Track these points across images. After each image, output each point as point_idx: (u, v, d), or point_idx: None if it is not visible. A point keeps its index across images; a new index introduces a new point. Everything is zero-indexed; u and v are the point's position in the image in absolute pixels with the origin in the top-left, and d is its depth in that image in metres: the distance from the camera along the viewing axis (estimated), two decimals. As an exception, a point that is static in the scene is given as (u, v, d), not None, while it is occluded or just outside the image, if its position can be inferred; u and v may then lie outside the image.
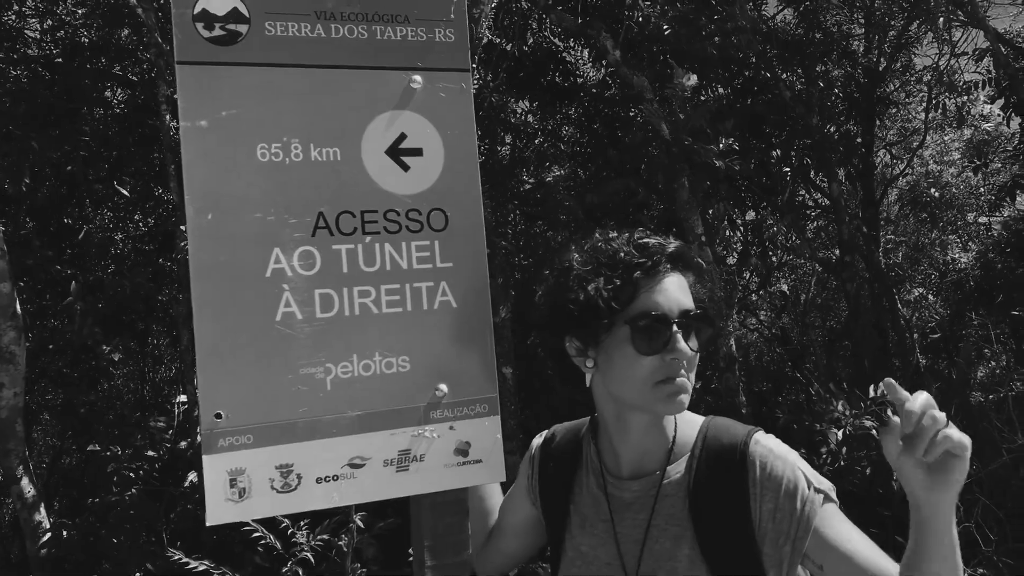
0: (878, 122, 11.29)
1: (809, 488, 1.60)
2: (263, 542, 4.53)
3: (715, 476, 1.63)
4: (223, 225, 2.00)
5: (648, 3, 6.90)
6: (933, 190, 11.05)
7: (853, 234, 8.16)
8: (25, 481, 6.34)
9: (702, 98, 7.24)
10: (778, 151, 8.46)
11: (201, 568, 4.78)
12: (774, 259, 9.48)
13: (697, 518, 1.60)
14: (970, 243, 14.36)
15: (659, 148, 6.37)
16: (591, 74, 8.69)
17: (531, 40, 9.33)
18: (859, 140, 10.85)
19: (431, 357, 2.15)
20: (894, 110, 11.32)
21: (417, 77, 2.20)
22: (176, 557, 4.68)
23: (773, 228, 8.77)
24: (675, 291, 1.68)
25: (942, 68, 8.11)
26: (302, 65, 2.10)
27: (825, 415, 5.84)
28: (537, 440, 2.01)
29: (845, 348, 8.72)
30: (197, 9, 2.02)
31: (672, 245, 1.72)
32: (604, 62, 7.29)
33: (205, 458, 1.97)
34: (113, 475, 6.31)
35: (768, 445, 1.65)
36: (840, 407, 5.74)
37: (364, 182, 2.13)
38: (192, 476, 6.82)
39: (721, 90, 7.94)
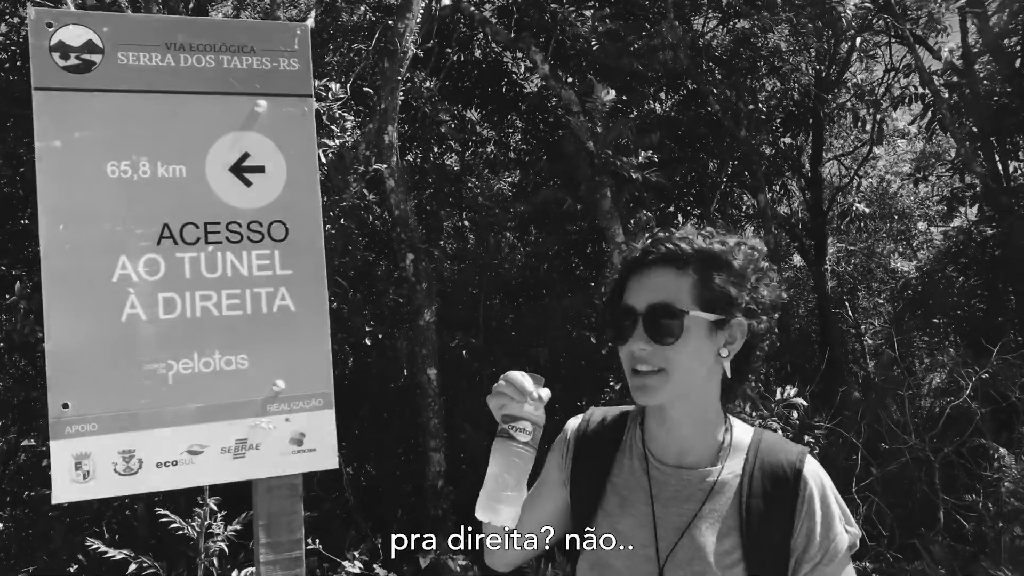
0: (828, 134, 11.58)
1: (841, 524, 1.65)
2: (180, 532, 4.74)
3: (768, 485, 1.65)
4: (74, 235, 2.23)
5: (579, 19, 7.16)
6: (862, 204, 11.33)
7: (778, 244, 8.47)
8: (-36, 474, 6.52)
9: (627, 113, 7.52)
10: (715, 162, 8.75)
11: (119, 557, 4.98)
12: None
13: (746, 519, 1.61)
14: (917, 253, 14.73)
15: (584, 160, 6.64)
16: (529, 86, 8.94)
17: (477, 51, 9.59)
18: (803, 152, 11.18)
19: (269, 356, 2.39)
20: (847, 121, 11.60)
21: (262, 102, 2.44)
22: (95, 547, 4.86)
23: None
24: (651, 285, 1.61)
25: (864, 84, 8.42)
26: (152, 91, 2.33)
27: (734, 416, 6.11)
28: (573, 423, 1.89)
29: (786, 352, 9.00)
30: (54, 40, 2.25)
31: (669, 242, 1.63)
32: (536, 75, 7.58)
33: (52, 443, 2.20)
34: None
35: (819, 472, 1.68)
36: (747, 409, 6.00)
37: (207, 196, 2.36)
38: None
39: (654, 104, 8.22)
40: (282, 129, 2.46)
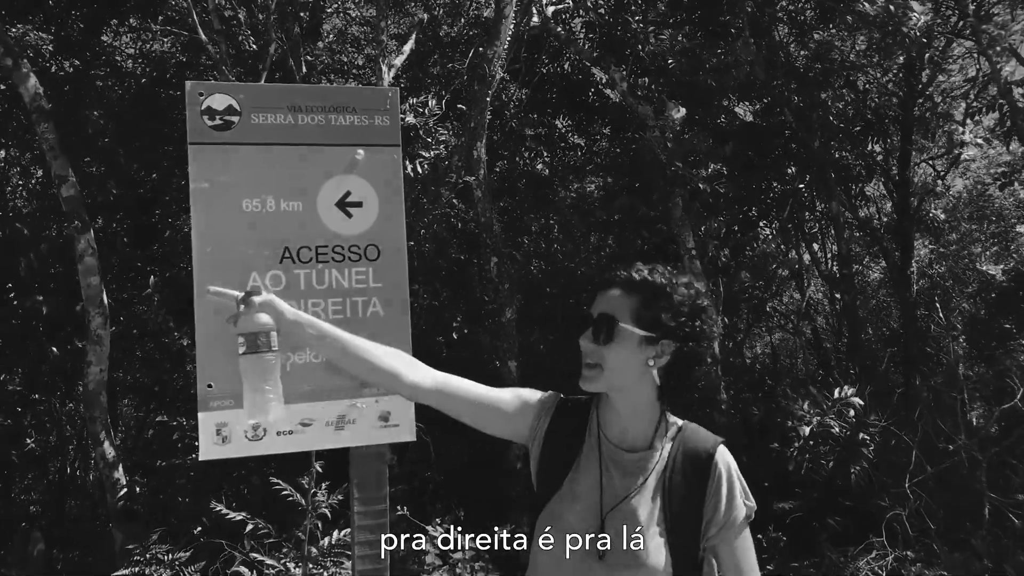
0: (915, 136, 11.68)
1: (741, 498, 2.13)
2: (290, 498, 5.47)
3: (687, 466, 2.13)
4: (217, 255, 2.92)
5: (659, 37, 7.65)
6: (940, 212, 11.42)
7: (850, 249, 8.77)
8: (107, 444, 7.44)
9: (701, 126, 7.95)
10: (791, 171, 9.09)
11: (238, 518, 5.75)
12: (783, 272, 10.11)
13: (666, 493, 2.08)
14: (1012, 254, 14.56)
15: (657, 171, 7.15)
16: (614, 96, 9.45)
17: (567, 64, 10.17)
18: (891, 156, 11.32)
19: (363, 350, 3.05)
20: (933, 125, 11.67)
21: (360, 151, 3.09)
22: (218, 509, 5.63)
23: (772, 245, 9.44)
24: (602, 300, 2.08)
25: (948, 90, 8.59)
26: (277, 143, 3.01)
27: (793, 414, 6.55)
28: (555, 399, 2.27)
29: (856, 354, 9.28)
30: (204, 106, 2.94)
31: (624, 273, 2.08)
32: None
33: (200, 414, 2.90)
34: (178, 442, 7.38)
35: (727, 457, 2.16)
36: (805, 407, 6.43)
37: (318, 226, 3.03)
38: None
39: (727, 117, 8.62)
40: (376, 172, 3.11)
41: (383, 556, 3.10)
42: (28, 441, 8.65)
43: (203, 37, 6.99)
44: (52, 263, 8.10)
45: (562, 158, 10.39)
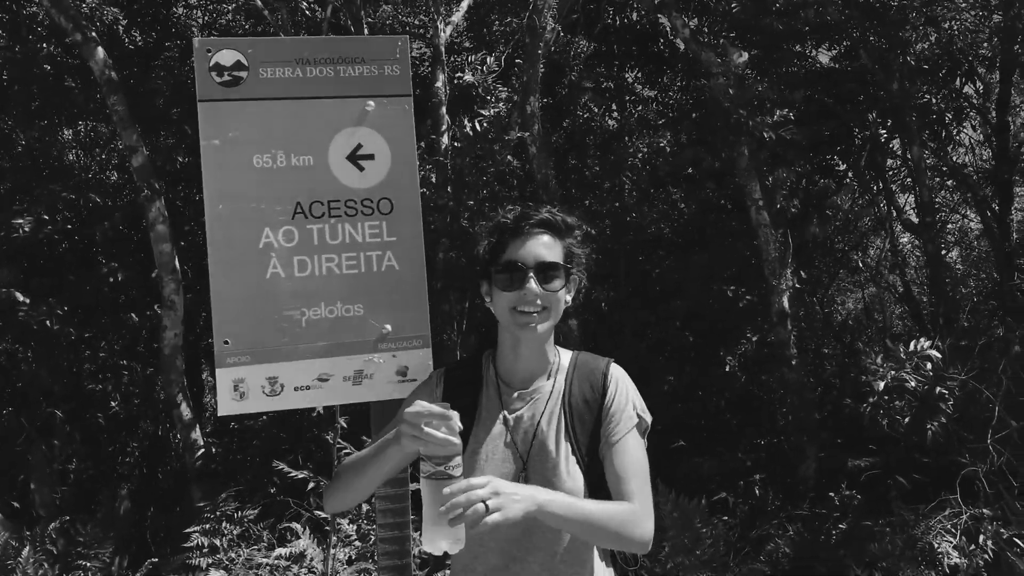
0: (1017, 78, 11.02)
1: (633, 408, 2.24)
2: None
3: (584, 387, 2.27)
4: (229, 212, 2.91)
5: (723, -20, 7.36)
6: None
7: (932, 197, 8.30)
8: (184, 406, 7.70)
9: (767, 72, 7.62)
10: (871, 116, 8.67)
11: (301, 476, 5.88)
12: (866, 222, 9.66)
13: (568, 412, 2.24)
14: None
15: (722, 120, 6.90)
16: (681, 46, 9.16)
17: (634, 13, 9.90)
18: (986, 100, 10.69)
19: (379, 305, 3.01)
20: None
21: (371, 102, 3.03)
22: (280, 467, 5.76)
23: (853, 195, 9.00)
24: (534, 246, 2.18)
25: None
26: (286, 98, 2.98)
27: (867, 369, 6.30)
28: (436, 371, 2.44)
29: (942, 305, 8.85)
30: (212, 62, 2.93)
31: (540, 214, 2.22)
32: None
33: (218, 371, 2.91)
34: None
35: (620, 372, 2.31)
36: (879, 361, 6.16)
37: (330, 180, 2.99)
38: (319, 407, 7.99)
39: (801, 62, 8.24)
40: (387, 123, 3.04)
41: (406, 508, 3.09)
42: (113, 404, 9.01)
43: (259, 3, 7.03)
44: (127, 232, 8.36)
45: (632, 112, 10.16)
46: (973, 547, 5.34)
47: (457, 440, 1.83)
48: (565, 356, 2.36)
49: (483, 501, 1.79)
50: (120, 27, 9.21)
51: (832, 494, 6.65)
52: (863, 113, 8.14)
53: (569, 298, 2.27)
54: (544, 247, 2.19)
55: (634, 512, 2.10)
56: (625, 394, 2.25)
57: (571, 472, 2.16)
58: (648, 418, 2.27)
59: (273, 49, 3.00)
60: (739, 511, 6.63)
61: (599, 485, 2.18)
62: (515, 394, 2.27)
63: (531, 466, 2.19)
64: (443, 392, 2.33)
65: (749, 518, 6.50)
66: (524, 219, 2.22)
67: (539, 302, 2.16)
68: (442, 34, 7.58)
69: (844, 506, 6.49)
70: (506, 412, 2.26)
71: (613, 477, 2.16)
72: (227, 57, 2.95)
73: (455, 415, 1.85)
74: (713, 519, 5.83)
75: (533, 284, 2.14)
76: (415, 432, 1.84)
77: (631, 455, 2.19)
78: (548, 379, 2.29)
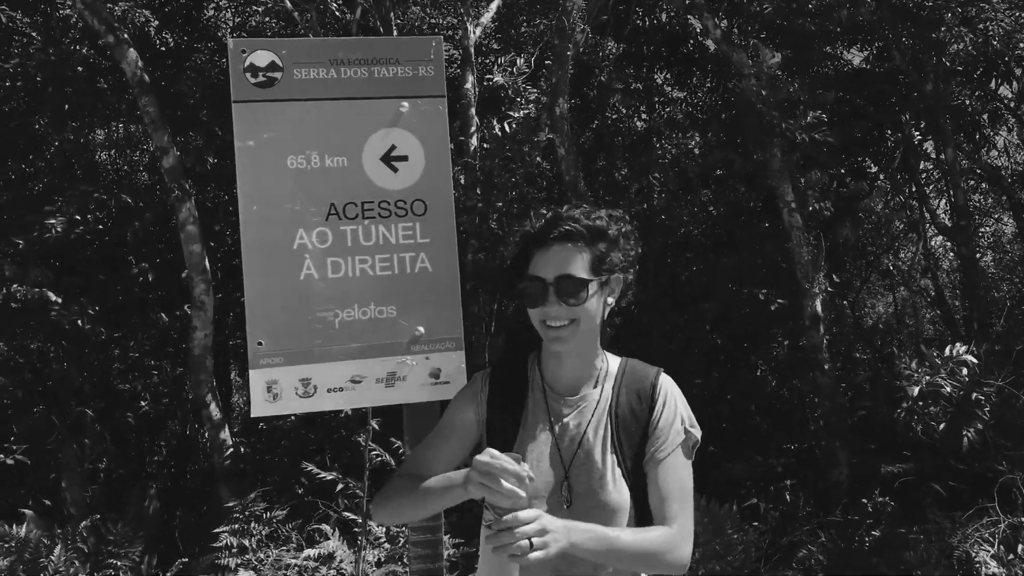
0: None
1: (681, 423, 2.19)
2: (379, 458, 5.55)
3: (632, 398, 2.20)
4: (264, 213, 2.90)
5: (754, -20, 7.28)
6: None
7: (967, 200, 8.18)
8: (213, 406, 7.73)
9: (799, 74, 7.54)
10: (906, 116, 8.57)
11: (330, 478, 5.88)
12: (898, 225, 9.52)
13: (616, 423, 2.17)
14: None
15: (753, 121, 6.84)
16: (711, 47, 9.11)
17: (663, 14, 9.84)
18: (1020, 103, 10.54)
19: (412, 307, 2.99)
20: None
21: (404, 103, 3.01)
22: (308, 468, 5.76)
23: (884, 197, 8.88)
24: (556, 260, 2.09)
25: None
26: (320, 99, 2.97)
27: (901, 374, 6.22)
28: (480, 374, 2.37)
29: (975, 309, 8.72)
30: (246, 63, 2.92)
31: (563, 225, 2.10)
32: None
33: (251, 372, 2.91)
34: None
35: (670, 384, 2.24)
36: (913, 366, 6.08)
37: (364, 181, 2.98)
38: (347, 409, 8.00)
39: (832, 63, 8.15)
40: (421, 125, 3.02)
41: (439, 514, 3.07)
42: (142, 404, 9.08)
43: (288, 5, 7.05)
44: (157, 232, 8.41)
45: (660, 113, 10.11)
46: (1012, 556, 5.24)
47: (523, 494, 1.82)
48: (614, 363, 2.29)
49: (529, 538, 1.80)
50: (151, 29, 9.28)
51: (865, 500, 6.56)
52: (896, 115, 8.05)
53: (611, 300, 2.19)
54: (567, 259, 2.09)
55: (670, 539, 2.07)
56: (673, 408, 2.19)
57: (617, 485, 2.11)
58: (697, 433, 2.21)
59: (307, 50, 2.99)
60: (770, 517, 6.56)
61: (644, 499, 2.14)
62: (562, 400, 2.22)
63: (573, 475, 2.14)
64: (488, 395, 2.28)
65: (780, 524, 6.43)
66: (548, 229, 2.13)
67: (564, 316, 2.09)
68: (471, 36, 7.57)
69: (877, 513, 6.40)
70: (553, 419, 2.20)
71: (655, 496, 2.12)
72: (262, 58, 2.94)
73: (527, 471, 1.83)
74: (744, 525, 5.76)
75: (554, 300, 2.08)
76: (486, 482, 1.83)
77: (675, 474, 2.14)
78: (595, 387, 2.23)
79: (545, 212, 2.26)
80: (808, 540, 6.22)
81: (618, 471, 2.13)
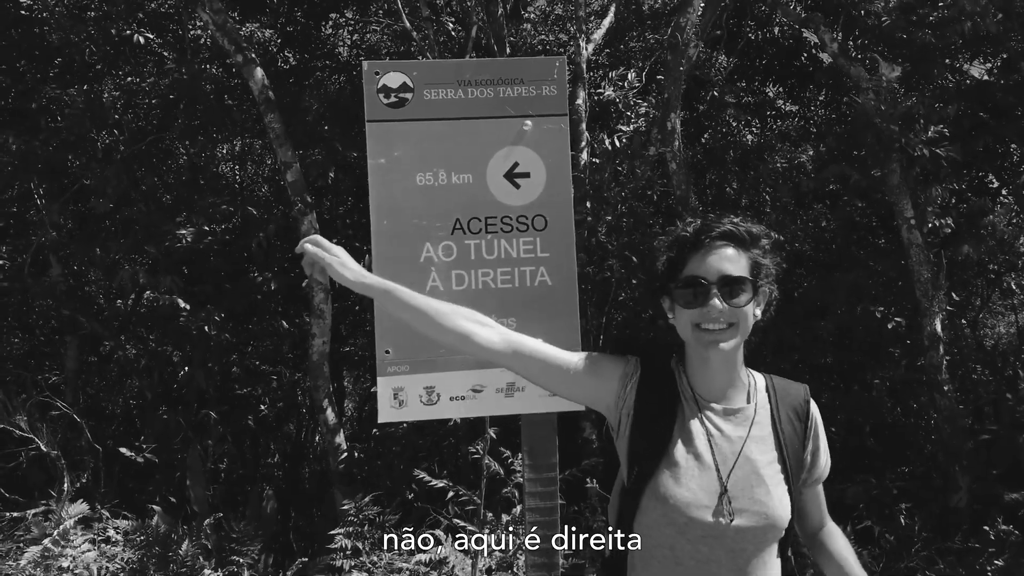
0: None
1: (827, 453, 2.33)
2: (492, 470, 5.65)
3: (791, 415, 2.23)
4: (393, 227, 3.05)
5: (873, -7, 7.15)
6: None
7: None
8: (329, 411, 8.00)
9: (919, 87, 7.35)
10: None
11: (440, 485, 6.02)
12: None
13: (783, 440, 2.19)
14: None
15: (872, 135, 6.70)
16: (827, 59, 8.96)
17: (776, 28, 9.74)
18: None
19: (532, 319, 3.07)
20: None
21: (528, 122, 3.12)
22: (419, 475, 5.91)
23: (1011, 214, 8.53)
24: (717, 260, 2.12)
25: None
26: (448, 118, 3.10)
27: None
28: (638, 363, 2.33)
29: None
30: (379, 84, 3.08)
31: (722, 225, 2.15)
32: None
33: (379, 379, 3.04)
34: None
35: (814, 405, 2.29)
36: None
37: (487, 197, 3.09)
38: (457, 418, 8.16)
39: (954, 77, 7.90)
40: (543, 143, 3.12)
41: (555, 522, 3.14)
42: (262, 408, 9.45)
43: (407, 25, 7.27)
44: (280, 243, 8.76)
45: (772, 127, 9.99)
46: None
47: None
48: (759, 378, 2.30)
49: None
50: (273, 47, 9.69)
51: (987, 527, 6.33)
52: (1022, 128, 7.76)
53: (759, 311, 2.19)
54: (728, 260, 2.12)
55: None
56: (822, 431, 2.32)
57: (782, 499, 2.13)
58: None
59: (436, 71, 3.12)
60: (884, 541, 6.40)
61: (796, 514, 2.22)
62: (719, 410, 2.21)
63: (733, 487, 2.12)
64: (638, 382, 2.28)
65: (896, 549, 6.26)
66: (705, 231, 2.16)
67: (724, 319, 2.10)
68: (583, 52, 7.66)
69: (1000, 541, 6.16)
70: (708, 428, 2.19)
71: (813, 504, 2.33)
72: (394, 79, 3.08)
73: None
74: (859, 549, 5.64)
75: (717, 300, 2.08)
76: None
77: (822, 494, 2.40)
78: (749, 401, 2.23)
79: (692, 220, 2.29)
80: (925, 566, 6.04)
81: (784, 487, 2.15)
